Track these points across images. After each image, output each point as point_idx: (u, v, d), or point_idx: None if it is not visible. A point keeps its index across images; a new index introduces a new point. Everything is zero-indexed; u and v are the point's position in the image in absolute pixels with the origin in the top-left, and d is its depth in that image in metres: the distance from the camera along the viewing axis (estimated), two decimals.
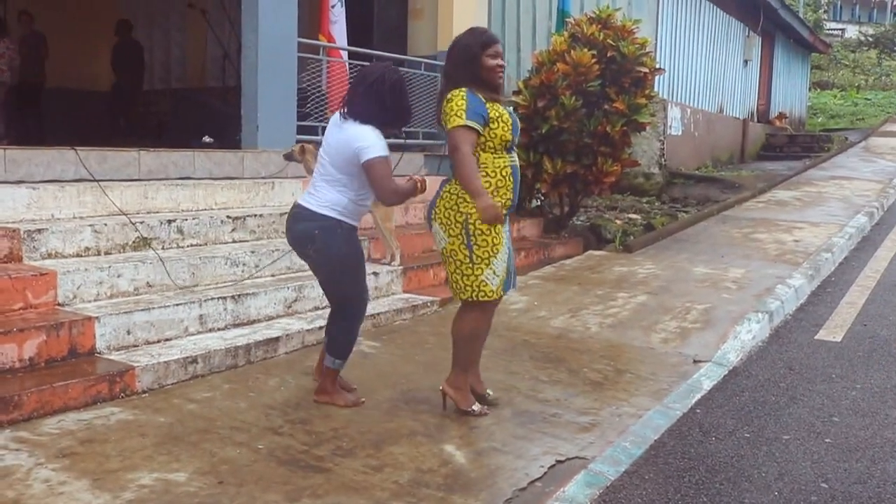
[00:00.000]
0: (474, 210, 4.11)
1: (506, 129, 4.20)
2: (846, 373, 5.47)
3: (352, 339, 4.59)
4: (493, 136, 4.17)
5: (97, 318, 4.75)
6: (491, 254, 4.21)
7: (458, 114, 4.08)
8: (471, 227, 4.17)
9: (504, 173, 4.23)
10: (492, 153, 4.20)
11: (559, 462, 3.92)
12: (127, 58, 11.96)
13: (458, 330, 4.43)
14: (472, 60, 4.20)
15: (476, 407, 4.46)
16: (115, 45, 11.95)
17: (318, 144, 5.16)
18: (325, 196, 4.34)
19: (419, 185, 4.41)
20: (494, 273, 4.24)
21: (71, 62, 12.17)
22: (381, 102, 4.30)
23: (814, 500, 3.68)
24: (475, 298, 4.28)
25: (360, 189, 4.35)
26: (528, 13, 14.61)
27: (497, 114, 4.19)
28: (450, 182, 4.28)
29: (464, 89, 4.14)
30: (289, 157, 6.84)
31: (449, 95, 4.17)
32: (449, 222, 4.22)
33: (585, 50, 8.64)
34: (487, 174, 4.17)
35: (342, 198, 4.32)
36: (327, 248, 4.36)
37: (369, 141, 4.22)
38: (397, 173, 4.50)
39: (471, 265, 4.22)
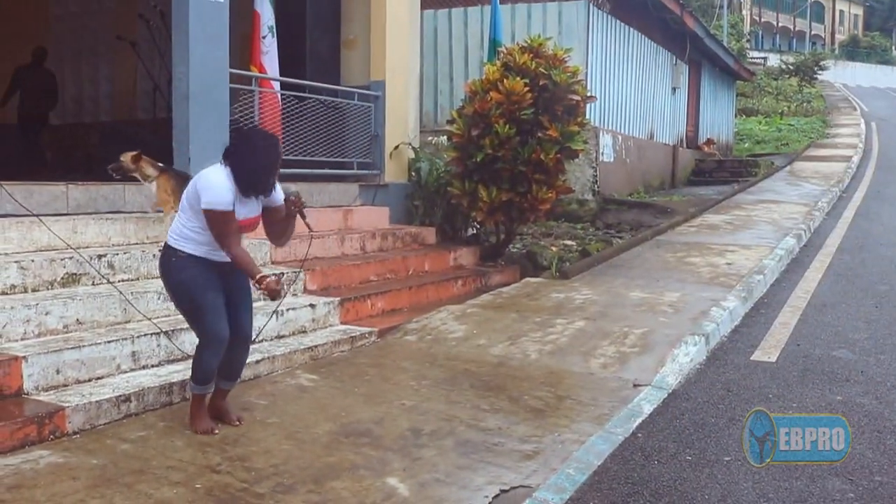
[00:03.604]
0: None
1: None
2: (782, 392, 5.54)
3: (203, 368, 4.51)
4: None
5: (24, 357, 4.60)
6: None
7: None
8: None
9: None
10: None
11: (503, 491, 3.90)
12: (39, 87, 11.55)
13: None
14: None
15: None
16: (21, 68, 11.44)
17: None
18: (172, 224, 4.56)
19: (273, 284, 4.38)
20: None
21: None
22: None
23: None
24: None
25: (195, 218, 4.43)
26: (461, 42, 14.74)
27: None
28: None
29: None
30: (117, 169, 6.30)
31: None
32: None
33: (518, 78, 8.71)
34: None
35: (178, 224, 4.48)
36: (163, 277, 4.56)
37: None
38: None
39: None
